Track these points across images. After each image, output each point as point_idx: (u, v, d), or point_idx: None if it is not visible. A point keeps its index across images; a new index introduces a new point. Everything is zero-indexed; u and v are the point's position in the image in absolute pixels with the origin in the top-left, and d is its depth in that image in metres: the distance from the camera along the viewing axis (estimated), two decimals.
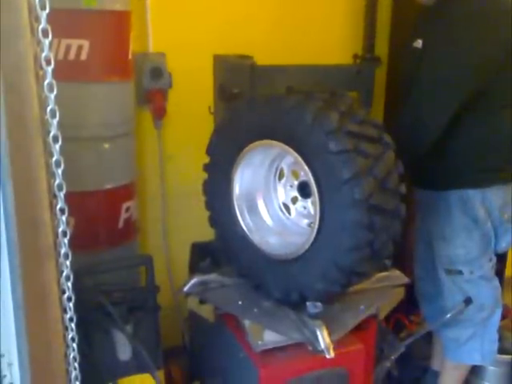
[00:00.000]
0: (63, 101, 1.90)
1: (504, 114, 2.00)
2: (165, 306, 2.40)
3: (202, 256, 2.12)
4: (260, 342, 1.67)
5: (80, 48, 1.88)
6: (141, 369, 1.78)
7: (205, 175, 1.84)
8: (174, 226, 2.59)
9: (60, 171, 1.11)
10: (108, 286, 1.86)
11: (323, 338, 1.52)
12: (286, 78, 2.08)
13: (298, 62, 2.27)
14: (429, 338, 2.47)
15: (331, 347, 1.51)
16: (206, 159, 1.81)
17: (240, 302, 1.76)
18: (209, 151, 1.80)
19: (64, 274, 1.15)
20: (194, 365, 2.34)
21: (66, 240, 1.14)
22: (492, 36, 1.83)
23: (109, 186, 2.08)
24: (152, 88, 2.33)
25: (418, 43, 1.96)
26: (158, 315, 1.96)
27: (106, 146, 2.04)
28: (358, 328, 1.78)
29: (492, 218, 2.04)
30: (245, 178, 1.75)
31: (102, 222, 2.10)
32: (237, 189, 1.75)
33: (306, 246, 1.55)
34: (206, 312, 1.84)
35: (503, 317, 2.73)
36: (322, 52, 2.50)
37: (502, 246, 2.12)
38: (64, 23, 1.84)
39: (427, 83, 1.88)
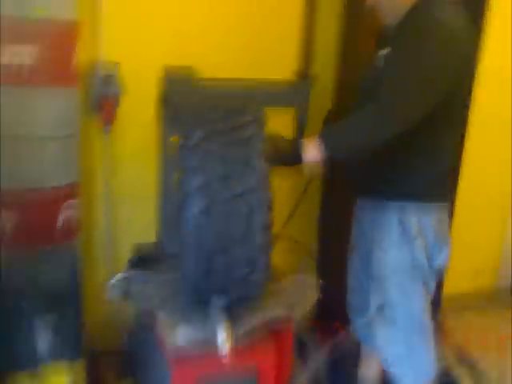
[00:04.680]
0: (8, 102, 2.01)
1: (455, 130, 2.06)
2: (108, 307, 2.47)
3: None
4: (173, 339, 1.72)
5: (25, 54, 1.98)
6: (59, 358, 1.85)
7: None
8: (120, 228, 2.67)
9: None
10: (35, 276, 1.93)
11: (221, 333, 1.59)
12: (224, 91, 2.19)
13: (246, 75, 2.37)
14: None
15: (229, 342, 1.58)
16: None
17: (158, 298, 1.84)
18: None
19: None
20: (126, 363, 2.40)
21: None
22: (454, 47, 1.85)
23: (49, 185, 2.16)
24: (103, 95, 2.43)
25: (387, 50, 1.96)
26: (80, 307, 2.02)
27: (49, 145, 2.13)
28: (272, 329, 1.85)
29: (424, 236, 2.04)
30: None
31: (41, 220, 2.17)
32: None
33: None
34: (130, 308, 1.91)
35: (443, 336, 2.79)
36: (267, 67, 2.60)
37: (438, 263, 2.15)
38: (10, 29, 1.96)
39: (401, 80, 1.84)
